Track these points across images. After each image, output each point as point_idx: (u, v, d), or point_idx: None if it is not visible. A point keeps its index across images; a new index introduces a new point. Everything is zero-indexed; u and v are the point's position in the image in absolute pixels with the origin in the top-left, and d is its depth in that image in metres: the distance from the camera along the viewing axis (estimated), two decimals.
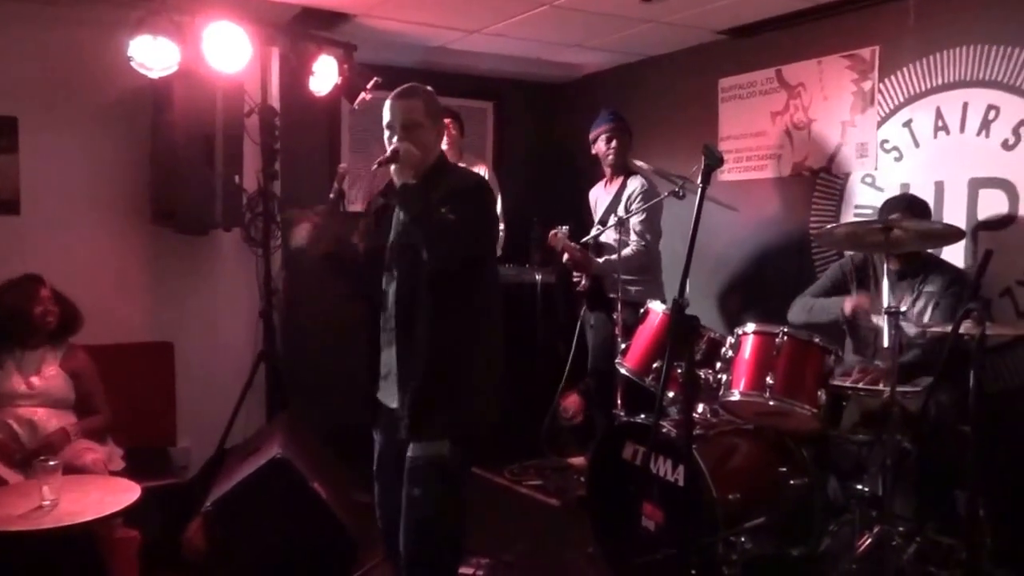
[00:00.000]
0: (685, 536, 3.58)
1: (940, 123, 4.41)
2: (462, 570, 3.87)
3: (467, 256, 3.02)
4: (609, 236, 5.06)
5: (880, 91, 4.68)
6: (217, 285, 5.31)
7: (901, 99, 4.58)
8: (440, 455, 3.01)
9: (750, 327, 3.87)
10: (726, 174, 5.47)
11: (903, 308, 3.67)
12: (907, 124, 4.56)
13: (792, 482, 3.86)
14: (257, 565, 3.84)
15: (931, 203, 4.25)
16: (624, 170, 5.21)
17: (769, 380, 3.66)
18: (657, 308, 4.30)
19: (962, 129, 4.33)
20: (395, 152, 2.98)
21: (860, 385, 3.73)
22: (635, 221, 4.98)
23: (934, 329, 3.67)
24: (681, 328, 2.98)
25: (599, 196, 5.43)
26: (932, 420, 3.59)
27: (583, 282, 5.21)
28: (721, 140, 5.56)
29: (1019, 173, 4.10)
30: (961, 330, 3.15)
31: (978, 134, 4.26)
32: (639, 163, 4.96)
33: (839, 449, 3.98)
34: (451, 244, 2.96)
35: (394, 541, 3.18)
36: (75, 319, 4.28)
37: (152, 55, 4.30)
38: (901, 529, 3.53)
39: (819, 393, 3.64)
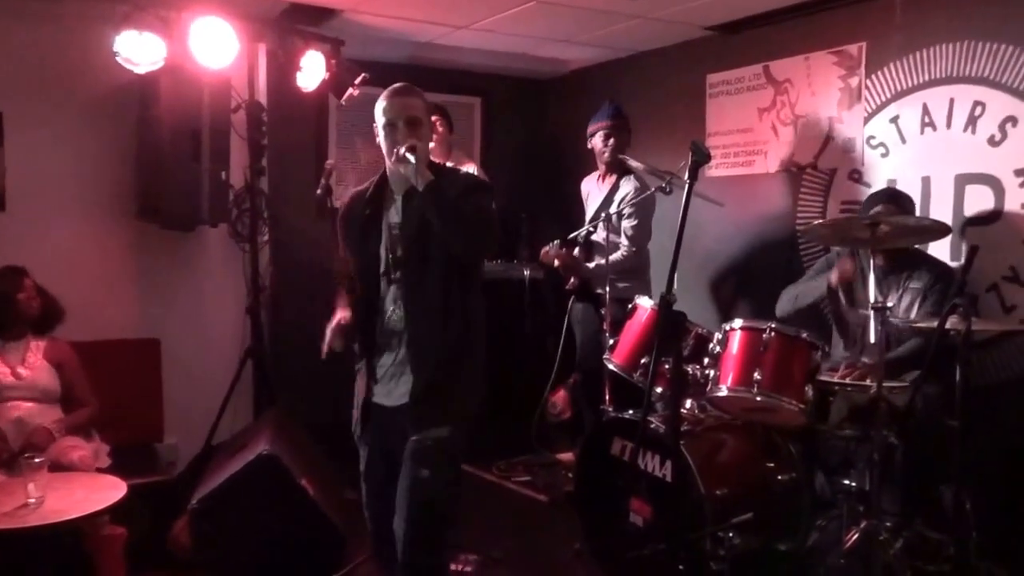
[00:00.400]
0: (673, 532, 3.59)
1: (927, 119, 4.43)
2: (450, 566, 3.87)
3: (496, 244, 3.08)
4: (599, 234, 5.06)
5: (867, 87, 4.69)
6: (204, 281, 5.30)
7: (888, 95, 4.59)
8: (448, 437, 3.02)
9: (737, 323, 3.88)
10: (714, 170, 5.47)
11: (889, 304, 3.68)
12: (894, 120, 4.58)
13: (780, 477, 3.87)
14: (245, 562, 3.83)
15: (917, 199, 4.28)
16: (618, 168, 5.20)
17: (757, 376, 3.67)
18: (645, 304, 4.31)
19: (948, 125, 4.34)
20: (412, 147, 2.92)
21: (847, 381, 3.74)
22: (627, 225, 4.98)
23: (920, 325, 3.69)
24: (669, 324, 2.99)
25: (591, 190, 5.42)
26: (919, 415, 3.61)
27: (572, 281, 5.21)
28: (709, 136, 5.57)
29: (1005, 169, 4.12)
30: (947, 326, 3.17)
31: (964, 130, 4.27)
32: (632, 162, 4.96)
33: (826, 444, 4.00)
34: (487, 235, 2.99)
35: (382, 542, 3.17)
36: (57, 312, 4.27)
37: (138, 50, 4.28)
38: (888, 524, 3.54)
39: (806, 388, 3.66)
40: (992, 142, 4.16)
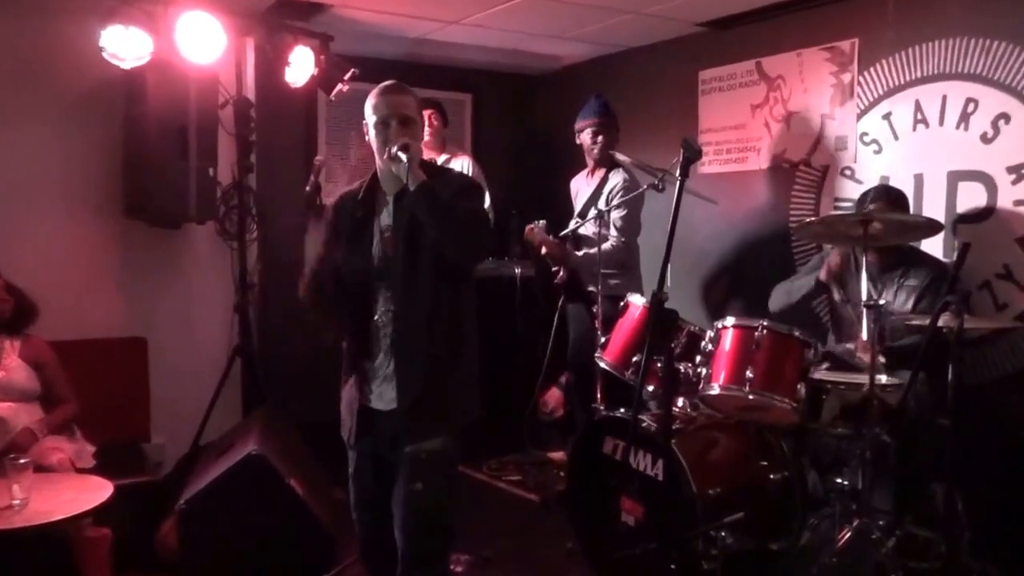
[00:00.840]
0: (665, 531, 3.59)
1: (919, 116, 4.44)
2: None
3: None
4: (588, 229, 5.06)
5: (859, 84, 4.69)
6: (191, 279, 5.28)
7: (880, 92, 4.60)
8: (442, 449, 2.99)
9: (730, 321, 3.88)
10: (706, 167, 5.48)
11: (883, 301, 3.68)
12: (886, 117, 4.58)
13: (772, 476, 3.88)
14: (233, 564, 3.82)
15: (910, 196, 4.27)
16: (607, 162, 5.20)
17: (749, 374, 3.67)
18: (637, 301, 4.30)
19: (941, 122, 4.35)
20: (405, 146, 2.87)
21: (840, 379, 3.74)
22: (616, 216, 4.98)
23: (915, 321, 3.69)
24: (660, 322, 2.99)
25: (580, 187, 5.42)
26: (911, 413, 3.62)
27: (561, 274, 5.21)
28: (701, 132, 5.57)
29: (998, 166, 4.13)
30: (940, 323, 3.17)
31: (957, 127, 4.28)
32: (621, 156, 4.95)
33: (819, 443, 4.00)
34: (481, 238, 2.98)
35: (370, 547, 3.15)
36: (30, 310, 4.21)
37: (124, 45, 4.27)
38: (881, 523, 3.55)
39: (798, 387, 3.66)
40: (985, 139, 4.17)
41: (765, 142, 5.22)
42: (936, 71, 4.35)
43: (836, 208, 4.81)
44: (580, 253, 5.08)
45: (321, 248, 3.10)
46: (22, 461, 3.34)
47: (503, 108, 7.05)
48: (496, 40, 5.89)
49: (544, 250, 5.11)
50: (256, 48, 5.16)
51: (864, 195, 4.14)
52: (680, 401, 4.13)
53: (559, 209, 5.59)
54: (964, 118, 4.25)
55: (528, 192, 6.64)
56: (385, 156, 2.94)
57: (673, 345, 3.62)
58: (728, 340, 3.83)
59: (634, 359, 4.18)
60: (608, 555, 3.92)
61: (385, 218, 3.06)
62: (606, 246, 4.88)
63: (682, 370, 4.00)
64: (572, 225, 5.17)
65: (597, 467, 4.04)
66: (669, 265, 2.96)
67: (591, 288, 4.88)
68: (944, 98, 4.33)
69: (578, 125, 5.26)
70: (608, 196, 5.04)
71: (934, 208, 4.32)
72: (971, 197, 4.23)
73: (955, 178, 4.29)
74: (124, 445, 4.72)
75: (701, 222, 5.32)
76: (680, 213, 2.98)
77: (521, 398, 5.54)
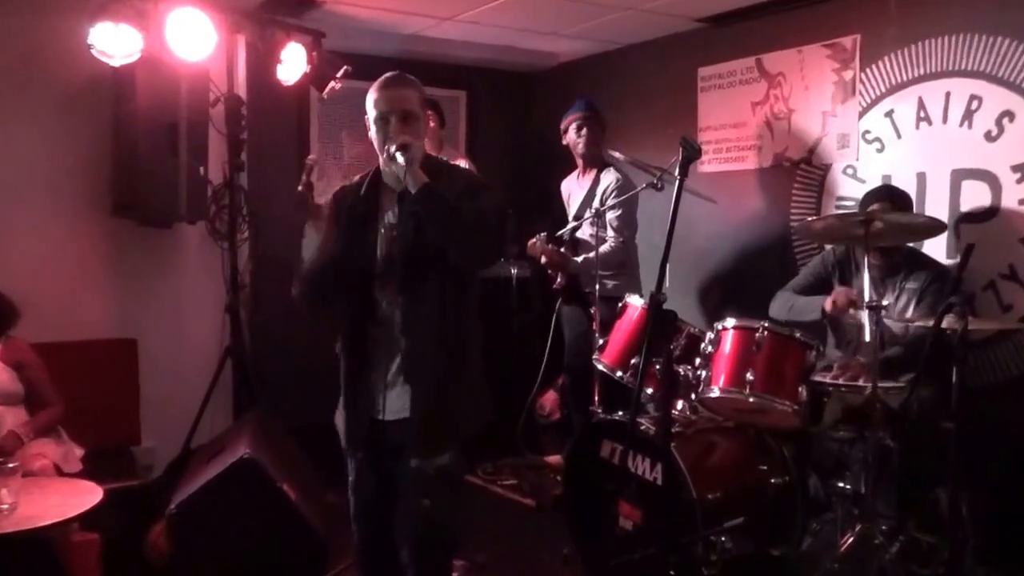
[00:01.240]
0: (664, 536, 3.58)
1: (922, 114, 4.44)
2: None
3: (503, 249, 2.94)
4: (585, 231, 5.06)
5: (861, 81, 4.70)
6: (181, 280, 5.27)
7: (883, 89, 4.61)
8: (449, 464, 2.93)
9: (730, 322, 3.89)
10: (705, 165, 5.48)
11: (885, 303, 3.69)
12: (889, 114, 4.59)
13: (773, 480, 3.88)
14: (224, 569, 3.81)
15: (913, 195, 4.28)
16: (597, 162, 5.21)
17: (749, 376, 3.67)
18: (635, 302, 4.31)
19: (944, 120, 4.36)
20: (405, 146, 2.76)
21: (841, 381, 3.74)
22: (611, 216, 4.99)
23: (917, 324, 3.70)
24: (659, 323, 2.98)
25: (572, 189, 5.43)
26: (914, 416, 3.62)
27: (559, 279, 5.21)
28: (700, 131, 5.57)
29: (1002, 165, 4.14)
30: (944, 325, 3.18)
31: (961, 125, 4.29)
32: (615, 154, 4.95)
33: (820, 446, 4.01)
34: (488, 242, 2.85)
35: (367, 556, 3.11)
36: (10, 312, 4.17)
37: (113, 42, 4.25)
38: (884, 528, 3.55)
39: (800, 389, 3.66)
40: (989, 137, 4.18)
41: (765, 140, 5.23)
42: (939, 68, 4.36)
43: (838, 207, 4.81)
44: (580, 259, 5.08)
45: (323, 240, 2.97)
46: (9, 466, 3.33)
47: (498, 106, 7.04)
48: (491, 37, 5.89)
49: (544, 259, 5.11)
50: (247, 45, 5.14)
51: (867, 195, 4.15)
52: (679, 404, 4.13)
53: (555, 209, 5.59)
54: (968, 116, 4.26)
55: (524, 192, 6.63)
56: (384, 156, 2.83)
57: (672, 347, 3.63)
58: (728, 342, 3.84)
59: (632, 361, 4.19)
60: (606, 561, 3.93)
61: (390, 217, 2.95)
62: (604, 248, 4.88)
63: (681, 372, 4.01)
64: (569, 227, 5.17)
65: (594, 471, 4.04)
66: (668, 265, 2.96)
67: (588, 290, 4.89)
68: (947, 95, 4.33)
69: (563, 124, 5.31)
70: (602, 196, 5.04)
71: (937, 207, 4.32)
72: (975, 196, 4.23)
73: (959, 177, 4.30)
74: (113, 448, 4.72)
75: (700, 222, 5.32)
76: (679, 213, 2.97)
77: (517, 401, 5.54)
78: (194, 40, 4.41)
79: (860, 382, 3.67)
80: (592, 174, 5.23)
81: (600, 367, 4.38)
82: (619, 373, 4.26)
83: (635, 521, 3.78)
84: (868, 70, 4.67)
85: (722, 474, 3.89)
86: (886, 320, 3.80)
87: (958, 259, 3.60)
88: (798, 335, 3.74)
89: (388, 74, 2.98)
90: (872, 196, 4.08)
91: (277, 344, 5.67)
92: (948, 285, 3.80)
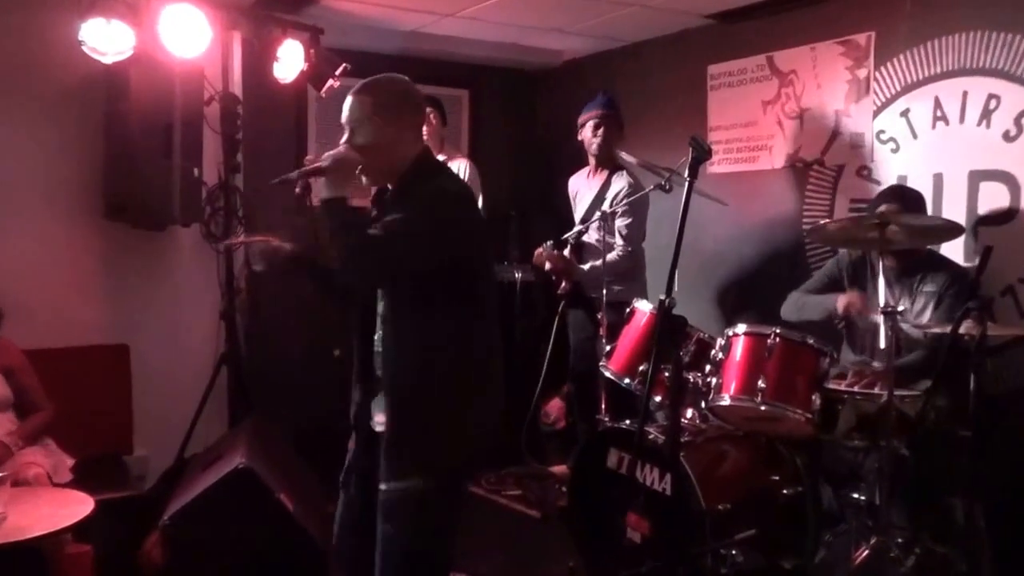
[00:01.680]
0: (672, 548, 3.59)
1: (939, 113, 4.44)
2: None
3: (398, 272, 2.83)
4: (592, 236, 5.06)
5: (876, 79, 4.70)
6: (175, 284, 5.28)
7: (898, 87, 4.61)
8: (416, 489, 2.85)
9: (741, 328, 3.89)
10: (715, 166, 5.48)
11: (900, 308, 3.69)
12: (904, 114, 4.59)
13: (785, 491, 3.88)
14: None
15: (930, 197, 4.29)
16: (609, 163, 5.20)
17: (760, 384, 3.68)
18: (643, 308, 4.31)
19: (962, 119, 4.36)
20: (318, 169, 2.86)
21: (856, 389, 3.74)
22: (621, 224, 4.98)
23: (934, 330, 3.69)
24: (668, 329, 2.99)
25: (580, 188, 5.42)
26: (930, 425, 3.62)
27: (564, 286, 5.20)
28: (710, 130, 5.58)
29: (1021, 166, 4.13)
30: (961, 330, 3.18)
31: (978, 124, 4.29)
32: (625, 156, 4.95)
33: (834, 456, 4.01)
34: (365, 263, 2.78)
35: (341, 562, 3.13)
36: None
37: (105, 39, 4.25)
38: (899, 540, 3.55)
39: (813, 397, 3.67)
40: (1007, 137, 4.18)
41: (777, 140, 5.23)
42: (956, 66, 4.36)
43: (852, 209, 4.81)
44: (586, 267, 5.08)
45: None
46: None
47: (502, 105, 7.04)
48: (494, 34, 5.90)
49: (549, 266, 5.11)
50: (243, 42, 5.15)
51: (877, 196, 4.15)
52: (688, 412, 4.14)
53: (560, 211, 5.59)
54: (986, 115, 4.26)
55: (528, 192, 6.65)
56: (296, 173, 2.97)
57: (681, 353, 3.63)
58: (739, 348, 3.84)
59: (640, 368, 4.18)
60: (612, 573, 3.93)
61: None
62: (612, 256, 4.88)
63: (691, 380, 4.01)
64: (575, 230, 5.17)
65: (601, 481, 4.04)
66: (677, 269, 2.97)
67: (594, 295, 4.89)
68: (964, 94, 4.33)
69: (580, 119, 5.27)
70: (612, 201, 5.03)
71: (954, 209, 4.32)
72: (993, 198, 4.23)
73: (976, 178, 4.30)
74: (105, 457, 4.71)
75: (710, 224, 5.32)
76: (688, 215, 2.98)
77: (521, 409, 5.53)
78: (188, 37, 4.41)
79: (875, 390, 3.67)
80: (603, 175, 5.23)
81: (607, 374, 4.39)
82: (627, 380, 4.26)
83: (643, 532, 3.76)
84: (883, 68, 4.67)
85: (733, 484, 3.89)
86: (902, 325, 3.79)
87: (976, 262, 3.59)
88: (811, 341, 3.74)
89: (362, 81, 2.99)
90: (882, 197, 4.08)
91: (274, 350, 5.67)
92: (966, 289, 3.80)
